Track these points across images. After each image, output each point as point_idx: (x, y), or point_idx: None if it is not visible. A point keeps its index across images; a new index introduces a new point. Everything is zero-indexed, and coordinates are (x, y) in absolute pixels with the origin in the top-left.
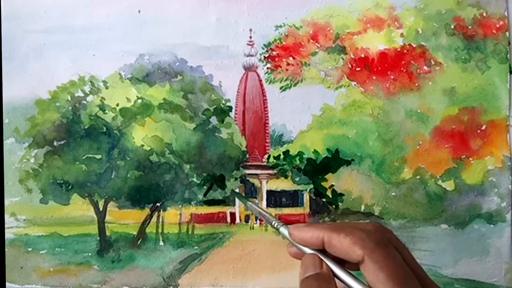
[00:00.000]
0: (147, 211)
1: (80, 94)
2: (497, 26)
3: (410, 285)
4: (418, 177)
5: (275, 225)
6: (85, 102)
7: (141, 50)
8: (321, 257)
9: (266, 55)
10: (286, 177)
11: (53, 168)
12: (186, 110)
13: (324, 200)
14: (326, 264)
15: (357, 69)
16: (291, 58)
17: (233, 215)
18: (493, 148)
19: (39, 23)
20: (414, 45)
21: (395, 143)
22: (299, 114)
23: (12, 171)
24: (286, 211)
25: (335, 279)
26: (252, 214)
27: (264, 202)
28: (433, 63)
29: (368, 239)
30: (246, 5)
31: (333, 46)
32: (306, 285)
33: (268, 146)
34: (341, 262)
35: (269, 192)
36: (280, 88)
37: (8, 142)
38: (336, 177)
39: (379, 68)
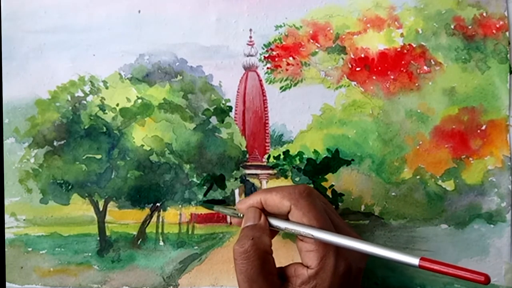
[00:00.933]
0: (147, 211)
1: (80, 94)
2: (497, 26)
3: (326, 226)
4: (418, 177)
5: (239, 214)
6: (85, 102)
7: (141, 50)
8: (260, 210)
9: (266, 55)
10: (286, 177)
11: (53, 168)
12: (186, 110)
13: None
14: (264, 217)
15: (357, 69)
16: (291, 58)
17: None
18: (493, 148)
19: (39, 23)
20: (414, 45)
21: (395, 143)
22: (299, 114)
23: (12, 171)
24: None
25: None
26: None
27: None
28: (433, 63)
29: (294, 192)
30: (246, 5)
31: (333, 46)
32: (243, 233)
33: (268, 146)
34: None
35: None
36: (280, 88)
37: (8, 142)
38: (336, 177)
39: (379, 68)
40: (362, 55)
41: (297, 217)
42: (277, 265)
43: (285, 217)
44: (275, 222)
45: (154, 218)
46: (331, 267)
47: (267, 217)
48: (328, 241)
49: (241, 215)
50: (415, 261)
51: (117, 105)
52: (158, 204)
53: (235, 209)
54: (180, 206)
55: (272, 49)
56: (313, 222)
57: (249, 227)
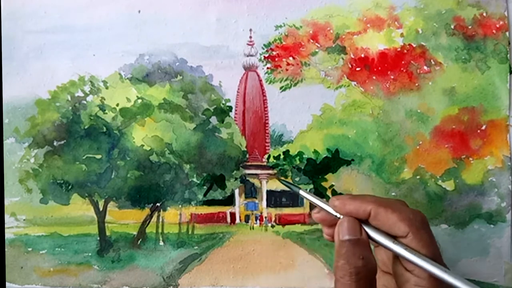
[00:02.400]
0: (147, 211)
1: (80, 94)
2: (497, 26)
3: (441, 263)
4: (418, 177)
5: (331, 214)
6: (85, 102)
7: (141, 50)
8: (364, 227)
9: (266, 55)
10: (286, 177)
11: (53, 168)
12: (186, 110)
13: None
14: (365, 232)
15: (357, 69)
16: (291, 58)
17: (233, 215)
18: (493, 148)
19: (39, 23)
20: (414, 45)
21: (395, 143)
22: (299, 114)
23: (12, 171)
24: (286, 211)
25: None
26: (252, 214)
27: (264, 202)
28: (433, 63)
29: (414, 219)
30: (246, 5)
31: (333, 46)
32: (347, 249)
33: (268, 146)
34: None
35: (269, 192)
36: (280, 88)
37: (8, 142)
38: (336, 177)
39: (379, 68)
40: (362, 55)
41: (415, 246)
42: (277, 265)
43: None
44: (380, 238)
45: (154, 218)
46: None
47: (368, 234)
48: (442, 278)
49: (336, 214)
50: None
51: (117, 105)
52: (158, 204)
53: (325, 203)
54: (180, 206)
55: (272, 49)
56: (434, 257)
57: (352, 243)
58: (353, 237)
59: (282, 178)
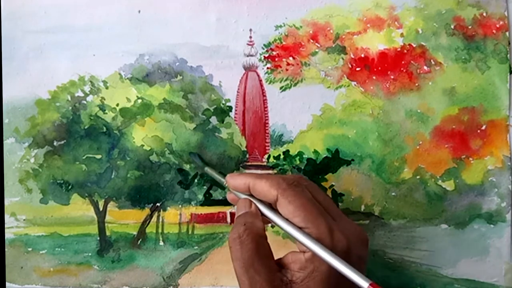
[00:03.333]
0: (147, 211)
1: (80, 94)
2: (497, 26)
3: (313, 212)
4: (418, 177)
5: (225, 184)
6: (85, 102)
7: (141, 50)
8: (251, 199)
9: (266, 55)
10: None
11: (53, 168)
12: (186, 110)
13: None
14: (255, 205)
15: (357, 69)
16: (291, 58)
17: (233, 215)
18: (493, 148)
19: (39, 23)
20: (414, 45)
21: (395, 143)
22: (299, 114)
23: (12, 171)
24: None
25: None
26: None
27: None
28: (433, 63)
29: (282, 182)
30: (246, 5)
31: (333, 46)
32: (236, 222)
33: (268, 146)
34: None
35: None
36: (280, 88)
37: (8, 142)
38: (336, 177)
39: (379, 68)
40: (362, 55)
41: (283, 205)
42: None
43: (273, 206)
44: (265, 211)
45: (154, 218)
46: (328, 247)
47: (256, 205)
48: (304, 244)
49: (226, 185)
50: (364, 284)
51: (117, 105)
52: (158, 204)
53: (223, 180)
54: (180, 206)
55: (272, 49)
56: (300, 210)
57: (241, 215)
58: (241, 212)
59: (191, 152)
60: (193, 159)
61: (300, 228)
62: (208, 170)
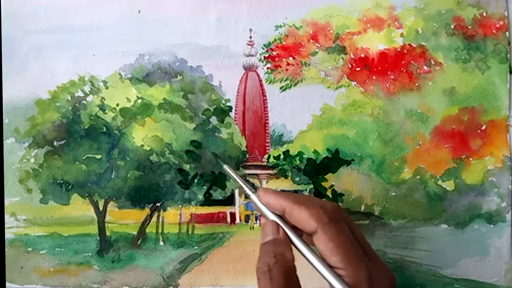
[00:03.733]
0: (147, 211)
1: (80, 94)
2: (497, 26)
3: (354, 254)
4: (418, 177)
5: (246, 192)
6: (85, 102)
7: (141, 50)
8: (280, 223)
9: (266, 55)
10: (286, 177)
11: (53, 168)
12: (186, 110)
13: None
14: (284, 231)
15: (357, 69)
16: (291, 58)
17: (233, 215)
18: (493, 148)
19: (39, 23)
20: (414, 45)
21: (395, 143)
22: (299, 114)
23: (12, 171)
24: None
25: (292, 246)
26: (252, 214)
27: None
28: (433, 63)
29: (323, 214)
30: (246, 5)
31: (333, 46)
32: (264, 250)
33: (268, 146)
34: (298, 232)
35: None
36: (280, 88)
37: (8, 142)
38: (336, 177)
39: (379, 68)
40: (362, 55)
41: (322, 241)
42: None
43: (305, 237)
44: (297, 242)
45: (154, 218)
46: None
47: (286, 232)
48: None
49: (250, 194)
50: None
51: (117, 105)
52: (158, 204)
53: (250, 188)
54: (180, 206)
55: (272, 49)
56: (340, 249)
57: (269, 243)
58: (269, 238)
59: (213, 152)
60: (217, 159)
61: (336, 269)
62: (228, 170)
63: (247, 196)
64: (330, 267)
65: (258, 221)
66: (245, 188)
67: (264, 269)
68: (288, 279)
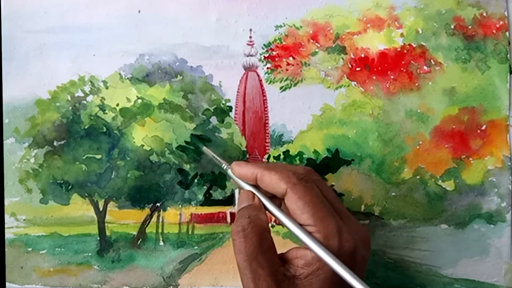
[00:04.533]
0: (147, 211)
1: (80, 94)
2: (497, 26)
3: (323, 210)
4: (418, 177)
5: (224, 167)
6: (85, 102)
7: (141, 50)
8: (254, 191)
9: (266, 55)
10: None
11: (53, 168)
12: (186, 110)
13: None
14: (258, 198)
15: (357, 69)
16: (291, 58)
17: (233, 215)
18: (493, 148)
19: (39, 23)
20: (414, 45)
21: (395, 143)
22: (299, 114)
23: (12, 171)
24: None
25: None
26: None
27: None
28: (433, 63)
29: (293, 176)
30: (246, 5)
31: (333, 46)
32: (239, 214)
33: (268, 146)
34: (273, 199)
35: None
36: (280, 88)
37: (8, 142)
38: (336, 177)
39: (379, 68)
40: (362, 55)
41: (292, 201)
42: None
43: (280, 198)
44: (270, 206)
45: (154, 218)
46: (335, 248)
47: (260, 199)
48: (308, 246)
49: (228, 171)
50: None
51: (117, 105)
52: (158, 204)
53: (226, 164)
54: (180, 206)
55: (272, 49)
56: (309, 206)
57: (244, 208)
58: (244, 205)
59: (192, 134)
60: (193, 140)
61: (307, 226)
62: (207, 150)
63: (224, 173)
64: (300, 225)
65: None
66: (223, 164)
67: (239, 229)
68: (262, 238)
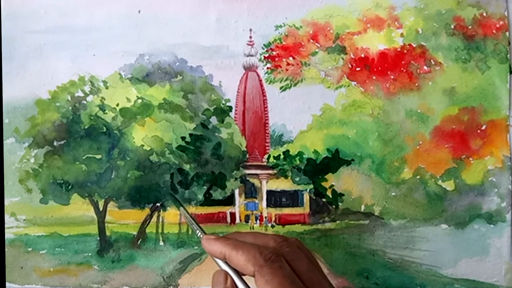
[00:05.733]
0: (147, 211)
1: (80, 94)
2: (497, 26)
3: None
4: (418, 177)
5: (199, 235)
6: (85, 102)
7: (141, 50)
8: (228, 271)
9: (266, 55)
10: (286, 177)
11: (53, 168)
12: (186, 110)
13: (324, 200)
14: (231, 279)
15: (357, 69)
16: (291, 58)
17: (233, 215)
18: (493, 148)
19: (39, 23)
20: (414, 45)
21: (395, 143)
22: (299, 114)
23: (12, 171)
24: (286, 211)
25: None
26: (252, 214)
27: (264, 202)
28: (433, 63)
29: (259, 257)
30: (246, 5)
31: (333, 46)
32: None
33: (268, 146)
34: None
35: (269, 192)
36: (280, 88)
37: (8, 142)
38: (336, 177)
39: (379, 68)
40: (362, 55)
41: (260, 284)
42: None
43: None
44: (239, 284)
45: (154, 218)
46: None
47: (233, 281)
48: None
49: (201, 236)
50: None
51: (117, 105)
52: (158, 204)
53: (200, 229)
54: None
55: (272, 49)
56: None
57: None
58: None
59: (170, 193)
60: (171, 199)
61: None
62: (183, 211)
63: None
64: None
65: (258, 221)
66: (197, 232)
67: None
68: None
